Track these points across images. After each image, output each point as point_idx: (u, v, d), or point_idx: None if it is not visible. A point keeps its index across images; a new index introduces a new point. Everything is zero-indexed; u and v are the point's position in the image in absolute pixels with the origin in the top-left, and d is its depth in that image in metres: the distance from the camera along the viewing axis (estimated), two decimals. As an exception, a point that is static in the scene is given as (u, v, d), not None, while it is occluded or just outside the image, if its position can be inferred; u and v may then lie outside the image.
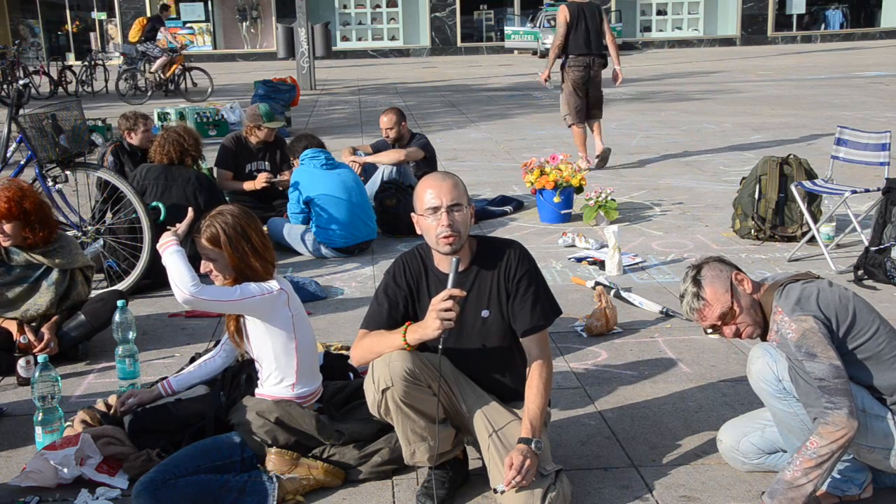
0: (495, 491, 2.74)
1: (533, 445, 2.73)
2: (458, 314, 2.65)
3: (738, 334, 2.86)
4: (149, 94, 16.62)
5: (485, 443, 2.84)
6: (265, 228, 6.15)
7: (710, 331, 2.89)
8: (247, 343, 3.21)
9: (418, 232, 2.88)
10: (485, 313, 2.89)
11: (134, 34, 17.44)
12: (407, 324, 2.79)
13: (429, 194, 2.81)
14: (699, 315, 2.85)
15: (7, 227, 4.09)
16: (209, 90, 16.43)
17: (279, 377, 3.16)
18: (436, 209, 2.79)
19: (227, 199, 5.79)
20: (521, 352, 2.99)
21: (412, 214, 2.90)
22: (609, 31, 8.86)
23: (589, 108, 8.95)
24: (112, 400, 3.50)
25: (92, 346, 4.38)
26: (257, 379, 3.24)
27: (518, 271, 2.88)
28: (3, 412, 3.69)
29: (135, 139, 6.43)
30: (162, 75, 16.84)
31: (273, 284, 3.13)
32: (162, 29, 17.23)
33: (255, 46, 31.30)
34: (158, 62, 16.72)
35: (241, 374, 3.36)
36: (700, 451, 3.24)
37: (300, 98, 13.99)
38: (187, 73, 16.85)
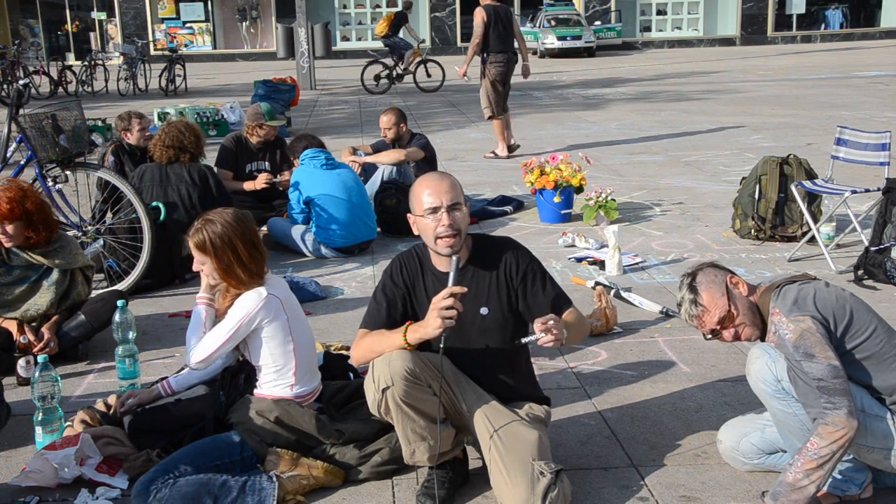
0: (519, 341, 2.75)
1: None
2: (459, 312, 2.65)
3: (737, 337, 2.88)
4: (391, 86, 17.52)
5: (486, 443, 2.84)
6: (265, 229, 6.22)
7: (709, 336, 2.91)
8: (243, 348, 3.21)
9: (415, 233, 2.88)
10: (483, 310, 2.89)
11: (381, 28, 18.10)
12: (407, 323, 2.79)
13: (427, 195, 2.81)
14: (698, 321, 2.87)
15: (9, 228, 4.09)
16: (440, 83, 17.48)
17: (277, 379, 3.16)
18: (436, 209, 2.79)
19: (228, 196, 5.76)
20: (521, 349, 3.00)
21: (409, 216, 2.90)
22: (518, 32, 9.78)
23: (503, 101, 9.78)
24: (112, 400, 3.50)
25: (92, 346, 4.38)
26: (256, 379, 3.24)
27: (520, 268, 2.89)
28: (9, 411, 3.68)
29: (131, 138, 6.43)
30: (402, 67, 17.61)
31: (260, 292, 3.10)
32: (407, 25, 18.14)
33: (255, 46, 31.31)
34: (407, 55, 17.62)
35: (240, 374, 3.35)
36: (700, 451, 3.24)
37: (300, 98, 14.00)
38: (425, 66, 17.68)
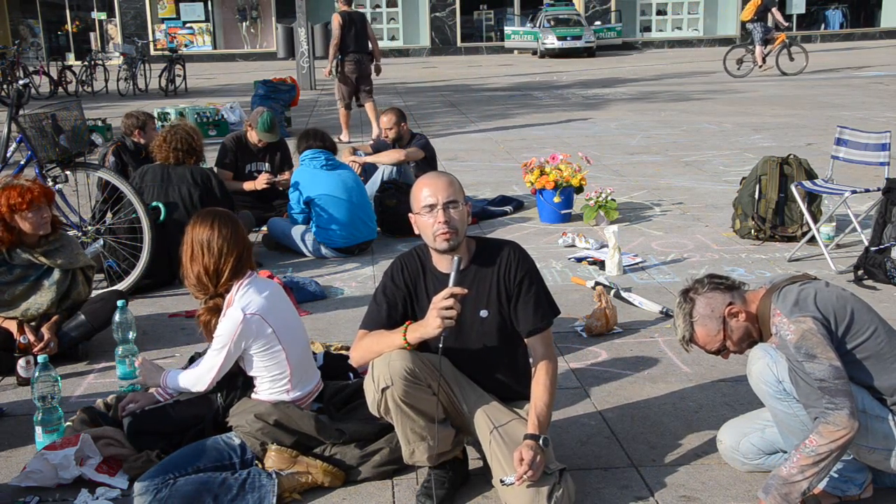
0: (502, 482, 2.74)
1: (540, 442, 2.74)
2: (458, 313, 2.65)
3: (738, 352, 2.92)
4: (751, 70, 17.95)
5: (486, 439, 2.84)
6: (265, 229, 6.23)
7: None
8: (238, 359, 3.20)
9: (416, 232, 2.89)
10: (483, 313, 2.89)
11: (747, 14, 18.33)
12: (407, 323, 2.79)
13: (424, 192, 2.82)
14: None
15: (46, 214, 4.17)
16: (803, 66, 17.99)
17: (273, 386, 3.16)
18: (432, 206, 2.79)
19: (230, 197, 5.75)
20: (520, 351, 3.00)
21: (410, 215, 2.90)
22: (372, 35, 11.42)
23: (359, 92, 11.33)
24: (112, 400, 3.49)
25: (92, 346, 4.38)
26: (253, 383, 3.24)
27: (518, 273, 2.89)
28: (3, 412, 3.69)
29: (144, 138, 6.43)
30: (762, 54, 17.95)
31: (236, 317, 3.07)
32: (773, 10, 18.22)
33: (255, 46, 31.31)
34: (758, 40, 17.93)
35: (238, 377, 3.35)
36: (700, 451, 3.24)
37: (300, 98, 13.99)
38: (788, 50, 18.11)
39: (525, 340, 2.93)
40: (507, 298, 2.89)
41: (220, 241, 3.12)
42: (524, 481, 2.67)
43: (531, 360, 2.95)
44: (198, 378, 3.20)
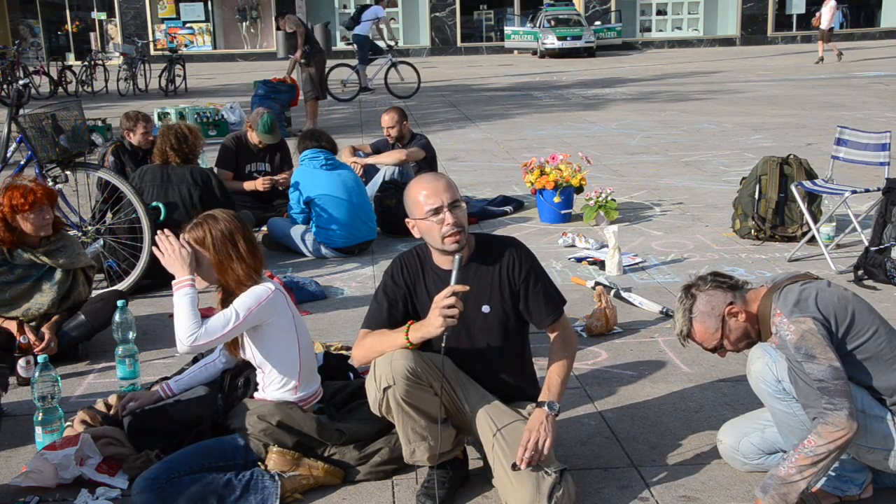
0: (514, 467, 2.76)
1: (549, 408, 2.77)
2: (461, 311, 2.65)
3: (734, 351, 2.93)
4: None
5: (488, 443, 2.84)
6: (265, 229, 6.23)
7: None
8: (245, 351, 3.17)
9: (417, 235, 2.87)
10: (485, 308, 2.89)
11: None
12: (409, 322, 2.79)
13: (426, 197, 2.80)
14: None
15: (48, 216, 4.16)
16: None
17: (283, 381, 3.14)
18: (438, 210, 2.78)
19: (230, 197, 5.75)
20: (522, 348, 3.00)
21: (407, 220, 2.89)
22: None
23: (323, 85, 12.78)
24: (112, 400, 3.49)
25: (92, 346, 4.38)
26: (256, 382, 3.23)
27: (522, 269, 2.89)
28: (3, 412, 3.69)
29: (133, 138, 6.44)
30: None
31: (268, 286, 3.08)
32: None
33: (255, 46, 31.32)
34: None
35: (240, 377, 3.35)
36: (700, 451, 3.24)
37: (300, 98, 13.98)
38: None
39: (547, 333, 2.96)
40: (511, 294, 2.90)
41: (230, 229, 3.09)
42: (527, 462, 2.71)
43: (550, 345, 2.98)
44: (209, 329, 2.98)
